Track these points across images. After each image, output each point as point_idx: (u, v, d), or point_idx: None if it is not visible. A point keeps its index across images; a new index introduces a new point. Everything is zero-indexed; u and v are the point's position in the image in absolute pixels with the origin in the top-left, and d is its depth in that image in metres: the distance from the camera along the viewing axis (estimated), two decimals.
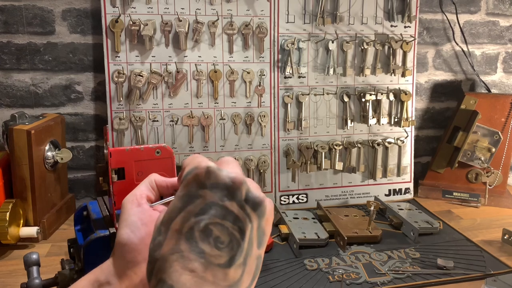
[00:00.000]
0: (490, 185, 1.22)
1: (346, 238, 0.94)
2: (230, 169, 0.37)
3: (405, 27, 1.20)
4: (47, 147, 1.03)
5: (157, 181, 0.47)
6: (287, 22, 1.14)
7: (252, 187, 0.37)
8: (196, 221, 0.34)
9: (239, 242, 0.34)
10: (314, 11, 1.15)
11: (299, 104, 1.16)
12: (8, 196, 0.98)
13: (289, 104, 1.15)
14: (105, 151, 0.64)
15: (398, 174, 1.24)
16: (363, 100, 1.18)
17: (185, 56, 1.10)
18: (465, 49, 1.36)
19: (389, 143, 1.22)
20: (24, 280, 0.67)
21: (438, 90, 1.38)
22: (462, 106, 1.25)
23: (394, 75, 1.21)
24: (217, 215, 0.34)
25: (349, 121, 1.19)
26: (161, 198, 0.47)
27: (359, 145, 1.20)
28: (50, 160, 1.03)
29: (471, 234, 1.04)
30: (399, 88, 1.21)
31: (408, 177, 1.26)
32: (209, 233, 0.34)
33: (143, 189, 0.45)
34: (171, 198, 0.46)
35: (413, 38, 1.20)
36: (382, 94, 1.18)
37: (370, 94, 1.18)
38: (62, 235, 1.03)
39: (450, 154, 1.26)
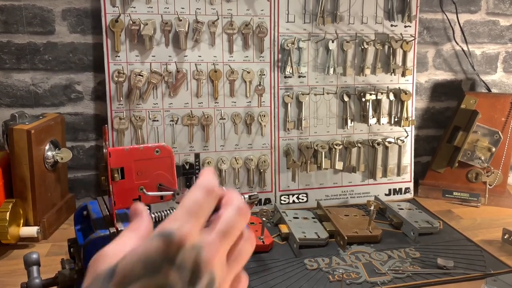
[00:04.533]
0: (490, 185, 1.22)
1: (346, 237, 0.94)
2: (212, 247, 0.33)
3: (405, 26, 1.20)
4: (47, 147, 1.02)
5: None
6: (287, 21, 1.14)
7: (222, 273, 0.33)
8: None
9: None
10: (314, 11, 1.14)
11: (299, 104, 1.16)
12: (8, 196, 0.98)
13: (289, 104, 1.15)
14: (104, 150, 0.64)
15: (398, 174, 1.24)
16: (363, 99, 1.18)
17: (185, 56, 1.10)
18: (465, 48, 1.36)
19: (389, 142, 1.22)
20: (24, 280, 0.67)
21: (438, 90, 1.38)
22: (462, 106, 1.25)
23: (394, 75, 1.21)
24: None
25: (349, 121, 1.19)
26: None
27: (359, 144, 1.20)
28: (50, 160, 1.03)
29: (471, 233, 1.04)
30: (399, 87, 1.21)
31: (408, 176, 1.26)
32: None
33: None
34: (169, 193, 0.45)
35: (413, 38, 1.20)
36: (382, 93, 1.18)
37: (370, 94, 1.18)
38: (62, 234, 1.03)
39: (450, 153, 1.26)
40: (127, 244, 0.33)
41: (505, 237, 1.00)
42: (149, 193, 0.44)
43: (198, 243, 0.32)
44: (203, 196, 0.34)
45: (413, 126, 1.24)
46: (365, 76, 1.19)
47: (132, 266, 0.30)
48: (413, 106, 1.24)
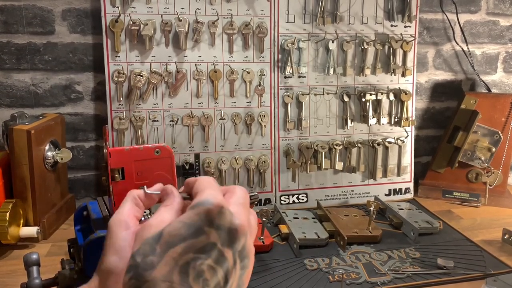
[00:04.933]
0: (490, 185, 1.22)
1: (346, 238, 0.94)
2: (239, 214, 0.38)
3: (405, 26, 1.20)
4: (47, 147, 1.02)
5: (140, 196, 0.44)
6: (287, 22, 1.14)
7: (250, 239, 0.38)
8: (194, 257, 0.34)
9: None
10: (314, 11, 1.14)
11: (299, 104, 1.16)
12: (8, 196, 0.98)
13: (289, 104, 1.15)
14: (104, 151, 0.64)
15: (398, 174, 1.24)
16: (363, 100, 1.18)
17: (185, 56, 1.10)
18: (465, 48, 1.36)
19: (389, 143, 1.22)
20: (24, 280, 0.67)
21: (438, 90, 1.38)
22: (462, 106, 1.25)
23: (394, 75, 1.21)
24: (213, 258, 0.35)
25: (349, 121, 1.19)
26: (146, 213, 0.45)
27: (359, 145, 1.20)
28: (50, 160, 1.03)
29: (471, 234, 1.04)
30: (399, 88, 1.21)
31: (408, 177, 1.26)
32: (201, 273, 0.34)
33: (129, 208, 0.43)
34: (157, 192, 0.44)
35: (413, 38, 1.20)
36: (382, 94, 1.18)
37: (370, 94, 1.18)
38: (62, 235, 1.03)
39: (450, 154, 1.26)
40: (165, 217, 0.38)
41: (505, 237, 1.00)
42: (148, 190, 0.44)
43: (230, 209, 0.37)
44: (213, 179, 0.41)
45: (413, 126, 1.24)
46: (365, 76, 1.19)
47: (177, 229, 0.35)
48: (413, 106, 1.24)
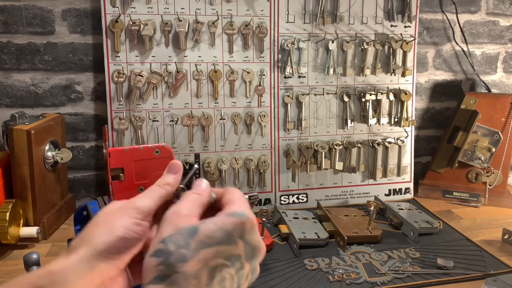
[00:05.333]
0: (490, 185, 1.22)
1: (346, 238, 0.94)
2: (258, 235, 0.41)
3: (405, 27, 1.20)
4: (47, 147, 1.03)
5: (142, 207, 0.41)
6: (287, 22, 1.14)
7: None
8: (223, 263, 0.37)
9: None
10: (314, 11, 1.15)
11: (299, 104, 1.16)
12: (8, 196, 0.98)
13: (289, 104, 1.15)
14: (104, 151, 0.64)
15: (398, 174, 1.24)
16: (363, 100, 1.18)
17: (185, 56, 1.10)
18: (465, 49, 1.36)
19: (389, 143, 1.22)
20: None
21: (438, 90, 1.38)
22: (462, 106, 1.25)
23: (394, 75, 1.21)
24: (236, 268, 0.38)
25: (349, 121, 1.19)
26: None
27: (359, 145, 1.20)
28: (50, 160, 1.03)
29: (471, 234, 1.04)
30: (399, 88, 1.21)
31: (408, 177, 1.26)
32: (223, 279, 0.37)
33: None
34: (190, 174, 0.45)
35: (413, 38, 1.20)
36: (382, 94, 1.18)
37: (370, 94, 1.18)
38: (62, 235, 1.03)
39: (450, 154, 1.26)
40: (193, 210, 0.39)
41: (505, 237, 1.00)
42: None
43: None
44: (241, 193, 0.43)
45: (413, 126, 1.24)
46: (365, 76, 1.19)
47: (214, 231, 0.37)
48: (413, 106, 1.24)
